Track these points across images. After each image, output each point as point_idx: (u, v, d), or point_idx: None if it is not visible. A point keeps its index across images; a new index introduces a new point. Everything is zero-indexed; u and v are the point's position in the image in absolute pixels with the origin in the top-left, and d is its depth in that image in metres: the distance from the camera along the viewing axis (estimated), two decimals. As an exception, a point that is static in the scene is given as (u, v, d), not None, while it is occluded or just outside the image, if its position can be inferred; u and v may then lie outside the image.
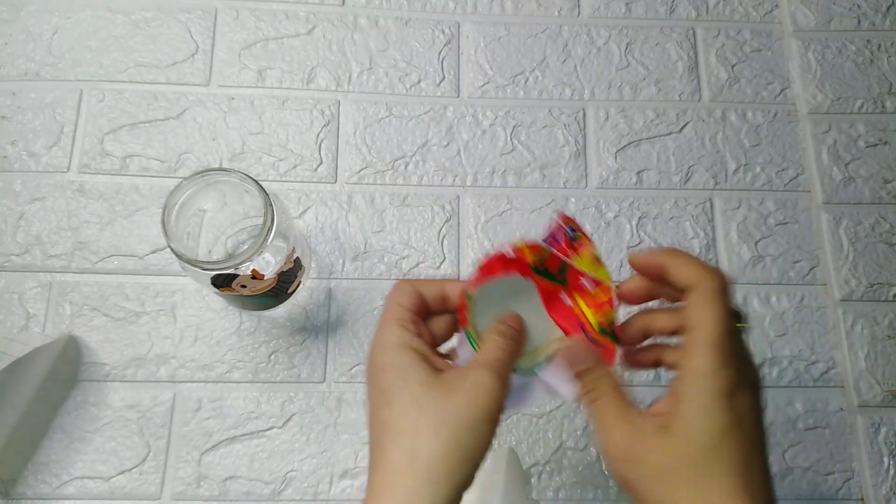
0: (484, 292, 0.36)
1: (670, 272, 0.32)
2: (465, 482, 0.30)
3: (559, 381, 0.35)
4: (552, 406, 0.58)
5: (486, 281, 0.36)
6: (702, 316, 0.30)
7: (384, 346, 0.33)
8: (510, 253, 0.35)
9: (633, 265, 0.34)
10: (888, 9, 0.69)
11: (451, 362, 0.35)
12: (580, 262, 0.36)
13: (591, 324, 0.36)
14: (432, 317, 0.36)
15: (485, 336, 0.35)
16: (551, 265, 0.36)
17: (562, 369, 0.35)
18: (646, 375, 0.58)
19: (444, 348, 0.37)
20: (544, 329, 0.37)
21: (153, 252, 0.59)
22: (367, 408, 0.33)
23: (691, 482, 0.29)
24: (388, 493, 0.29)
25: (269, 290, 0.51)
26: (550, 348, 0.37)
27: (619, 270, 0.61)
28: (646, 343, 0.36)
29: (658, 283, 0.34)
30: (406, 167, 0.63)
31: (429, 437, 0.29)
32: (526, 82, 0.66)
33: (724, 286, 0.31)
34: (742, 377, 0.30)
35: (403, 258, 0.60)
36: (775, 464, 0.57)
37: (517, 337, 0.35)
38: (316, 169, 0.62)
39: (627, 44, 0.67)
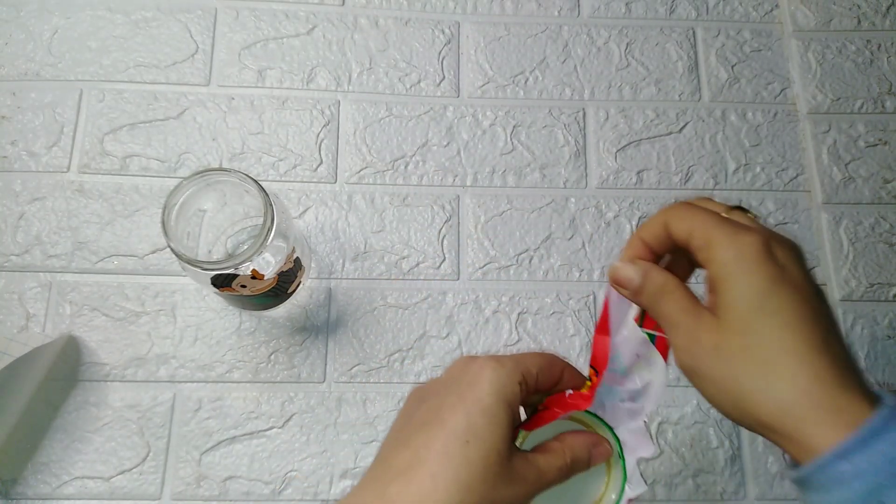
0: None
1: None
2: None
3: None
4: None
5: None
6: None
7: (496, 386, 0.30)
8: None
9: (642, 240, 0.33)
10: (888, 9, 0.69)
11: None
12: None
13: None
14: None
15: (559, 438, 0.33)
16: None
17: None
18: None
19: None
20: (590, 487, 0.35)
21: (153, 252, 0.59)
22: (425, 410, 0.31)
23: (745, 350, 0.27)
24: (418, 475, 0.27)
25: (269, 290, 0.51)
26: None
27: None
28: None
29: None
30: (406, 167, 0.63)
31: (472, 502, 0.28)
32: (526, 82, 0.66)
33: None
34: (774, 235, 0.29)
35: (403, 258, 0.60)
36: (774, 463, 0.57)
37: (577, 464, 0.32)
38: (316, 169, 0.62)
39: (627, 44, 0.67)
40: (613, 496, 0.34)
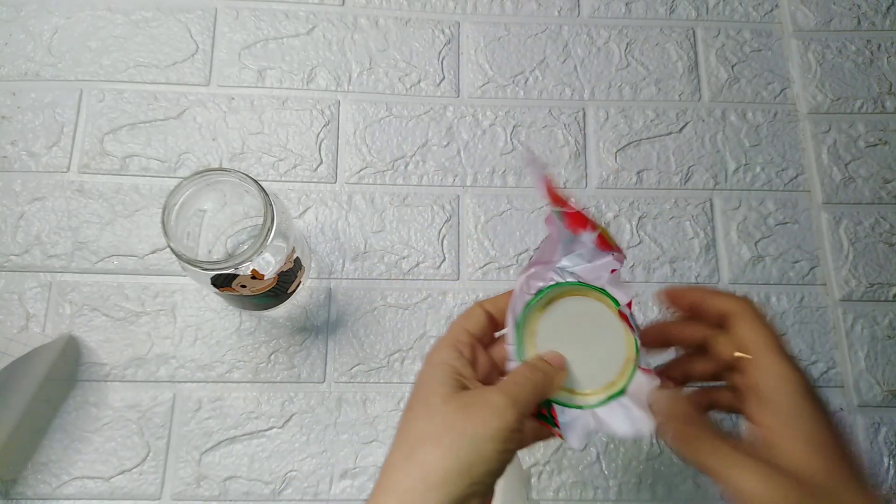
0: (553, 312, 0.36)
1: (706, 304, 0.34)
2: (463, 495, 0.30)
3: (618, 419, 0.35)
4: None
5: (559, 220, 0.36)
6: (758, 333, 0.32)
7: (427, 362, 0.35)
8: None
9: (667, 300, 0.36)
10: (888, 9, 0.69)
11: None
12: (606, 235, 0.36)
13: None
14: (497, 343, 0.37)
15: (518, 367, 0.35)
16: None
17: (621, 408, 0.35)
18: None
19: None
20: (604, 363, 0.36)
21: (153, 252, 0.59)
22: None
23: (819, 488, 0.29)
24: (389, 493, 0.30)
25: (269, 290, 0.51)
26: (614, 387, 0.36)
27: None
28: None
29: (690, 316, 0.36)
30: (406, 167, 0.63)
31: (430, 444, 0.30)
32: (526, 82, 0.66)
33: (760, 310, 0.33)
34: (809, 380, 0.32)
35: (403, 258, 0.60)
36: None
37: (550, 373, 0.35)
38: (316, 169, 0.62)
39: (627, 44, 0.67)
40: (636, 349, 0.36)
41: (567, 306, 0.37)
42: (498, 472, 0.31)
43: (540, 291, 0.36)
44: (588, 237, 0.35)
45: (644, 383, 0.35)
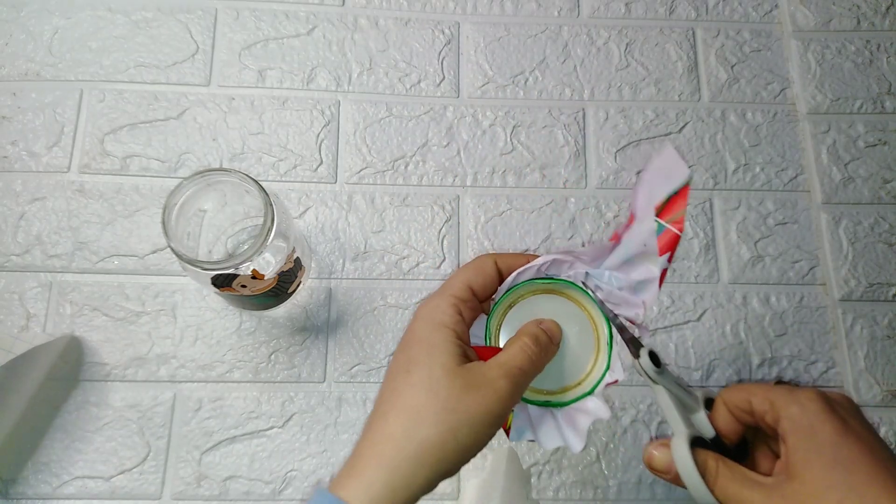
0: (534, 298, 0.36)
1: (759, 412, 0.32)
2: (450, 472, 0.30)
3: (576, 425, 0.35)
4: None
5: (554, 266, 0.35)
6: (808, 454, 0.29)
7: (427, 317, 0.33)
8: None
9: (726, 405, 0.33)
10: (888, 9, 0.69)
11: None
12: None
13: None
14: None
15: (517, 334, 0.35)
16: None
17: (582, 416, 0.35)
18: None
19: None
20: (575, 366, 0.36)
21: (153, 252, 0.59)
22: (388, 368, 0.33)
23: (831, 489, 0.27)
24: (373, 460, 0.30)
25: (269, 290, 0.51)
26: (579, 389, 0.36)
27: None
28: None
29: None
30: (406, 167, 0.63)
31: (430, 422, 0.30)
32: (526, 82, 0.66)
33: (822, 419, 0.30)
34: (827, 392, 0.30)
35: (403, 258, 0.60)
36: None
37: (549, 347, 0.35)
38: (316, 169, 0.62)
39: (627, 44, 0.68)
40: (596, 376, 0.36)
41: (555, 302, 0.36)
42: (482, 447, 0.31)
43: (545, 279, 0.36)
44: (652, 270, 0.34)
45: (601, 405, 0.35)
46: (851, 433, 0.29)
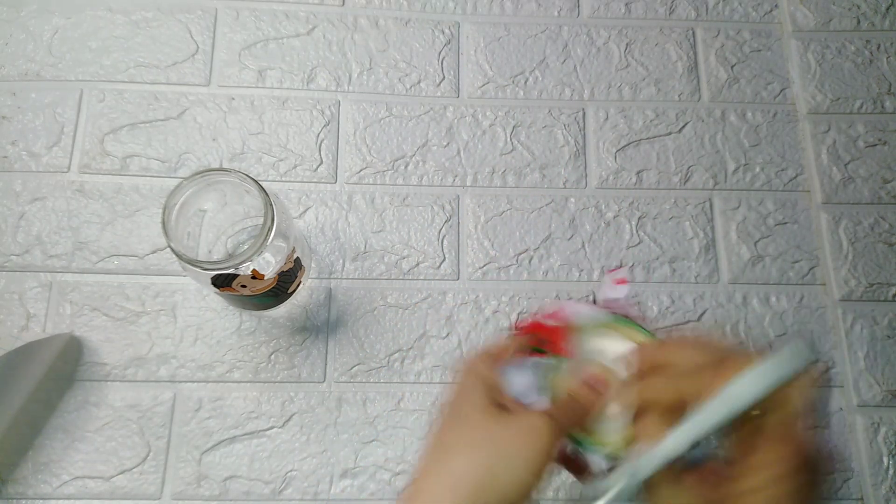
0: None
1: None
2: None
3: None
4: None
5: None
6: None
7: (468, 372, 0.35)
8: None
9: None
10: (888, 9, 0.69)
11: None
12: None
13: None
14: None
15: (566, 392, 0.34)
16: None
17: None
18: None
19: None
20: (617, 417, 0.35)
21: (153, 252, 0.59)
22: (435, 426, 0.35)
23: None
24: (416, 498, 0.30)
25: (269, 290, 0.51)
26: (614, 445, 0.34)
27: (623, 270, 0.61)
28: None
29: None
30: (406, 167, 0.63)
31: (466, 455, 0.30)
32: (526, 82, 0.66)
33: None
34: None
35: (403, 258, 0.60)
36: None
37: (595, 401, 0.34)
38: (316, 169, 0.62)
39: (627, 44, 0.68)
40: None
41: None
42: (526, 494, 0.30)
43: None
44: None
45: None
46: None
